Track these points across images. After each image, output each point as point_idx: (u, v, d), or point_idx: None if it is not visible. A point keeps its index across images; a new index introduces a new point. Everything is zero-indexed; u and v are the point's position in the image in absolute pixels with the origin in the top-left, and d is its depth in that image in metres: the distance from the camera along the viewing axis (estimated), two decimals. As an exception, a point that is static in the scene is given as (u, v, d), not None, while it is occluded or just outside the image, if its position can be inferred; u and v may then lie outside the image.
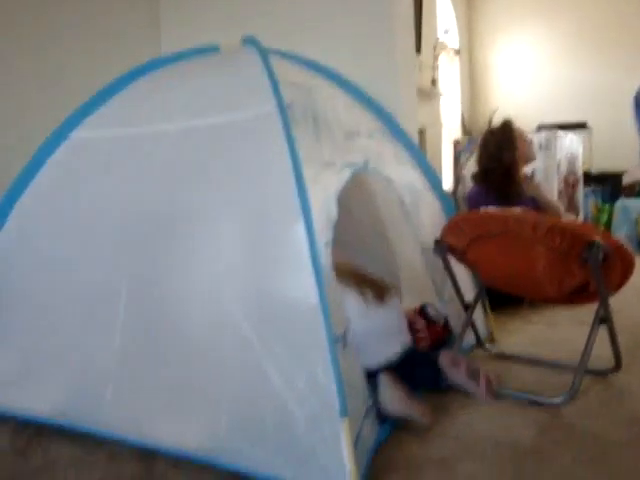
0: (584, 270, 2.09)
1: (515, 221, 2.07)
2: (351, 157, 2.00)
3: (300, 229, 1.56)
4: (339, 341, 1.61)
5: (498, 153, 3.51)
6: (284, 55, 2.34)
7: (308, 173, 1.68)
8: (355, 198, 2.38)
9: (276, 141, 1.68)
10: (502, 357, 2.64)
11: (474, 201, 3.52)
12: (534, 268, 2.15)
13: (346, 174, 1.90)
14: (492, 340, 2.81)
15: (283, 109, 1.73)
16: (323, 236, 1.69)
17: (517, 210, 2.38)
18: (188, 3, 3.57)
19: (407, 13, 3.25)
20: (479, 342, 2.69)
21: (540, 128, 6.58)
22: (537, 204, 3.49)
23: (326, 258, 1.68)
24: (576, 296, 2.28)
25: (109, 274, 1.87)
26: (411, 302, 2.71)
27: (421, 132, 6.35)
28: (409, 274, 2.61)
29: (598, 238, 2.00)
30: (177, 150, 1.92)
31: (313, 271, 1.51)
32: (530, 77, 7.30)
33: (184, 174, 1.83)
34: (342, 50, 3.11)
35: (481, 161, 3.71)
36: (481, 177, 3.63)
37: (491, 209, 2.57)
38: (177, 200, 1.80)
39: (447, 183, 6.58)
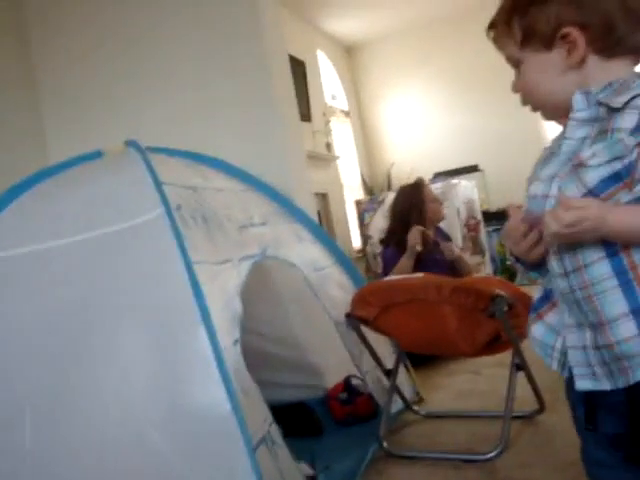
0: (493, 322, 2.14)
1: (419, 287, 2.10)
2: (247, 250, 1.99)
3: (202, 334, 1.52)
4: (262, 443, 1.56)
5: (406, 214, 3.58)
6: (169, 152, 2.34)
7: (204, 274, 1.66)
8: (259, 291, 2.36)
9: (167, 246, 1.65)
10: (432, 417, 2.64)
11: (392, 264, 3.52)
12: (446, 328, 2.18)
13: (245, 267, 1.89)
14: (420, 400, 2.81)
15: (170, 214, 1.71)
16: (230, 335, 1.66)
17: (418, 275, 2.43)
18: (71, 109, 3.53)
19: (285, 82, 3.31)
20: (407, 405, 2.69)
21: (436, 176, 6.83)
22: (451, 264, 3.56)
23: (236, 357, 1.64)
24: (490, 347, 2.32)
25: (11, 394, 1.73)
26: (333, 378, 2.70)
27: (323, 196, 6.47)
28: (325, 353, 2.59)
29: (500, 291, 2.06)
30: (70, 267, 1.84)
31: (220, 377, 1.47)
32: (420, 129, 7.60)
33: (79, 291, 1.75)
34: (227, 134, 3.13)
35: (390, 222, 3.77)
36: (389, 238, 3.68)
37: (394, 278, 2.61)
38: (75, 320, 1.71)
39: (356, 242, 6.70)
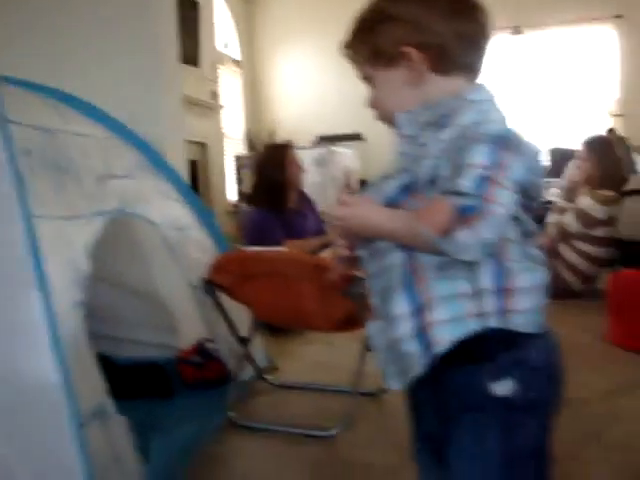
0: (349, 302, 2.14)
1: (281, 261, 2.06)
2: (104, 204, 1.85)
3: (33, 295, 1.39)
4: (95, 417, 1.47)
5: (270, 174, 3.53)
6: (29, 87, 2.13)
7: (46, 229, 1.52)
8: (118, 244, 2.23)
9: (5, 197, 1.49)
10: (283, 387, 2.65)
11: (261, 227, 3.45)
12: (303, 304, 2.15)
13: (99, 223, 1.76)
14: (274, 369, 2.81)
15: (14, 159, 1.54)
16: (70, 296, 1.54)
17: (283, 249, 2.39)
18: None
19: (168, 24, 3.11)
20: (259, 374, 2.67)
21: (320, 140, 6.81)
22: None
23: (75, 321, 1.53)
24: (347, 324, 2.33)
25: None
26: (187, 341, 2.62)
27: (202, 145, 6.28)
28: (182, 315, 2.51)
29: (359, 273, 2.06)
30: None
31: (51, 344, 1.36)
32: (310, 90, 7.52)
33: None
34: (98, 70, 2.91)
35: (255, 179, 3.71)
36: (255, 199, 3.61)
37: (256, 249, 2.56)
38: None
39: (232, 197, 6.58)
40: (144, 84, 2.92)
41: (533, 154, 0.99)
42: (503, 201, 0.92)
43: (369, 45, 1.07)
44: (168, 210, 2.32)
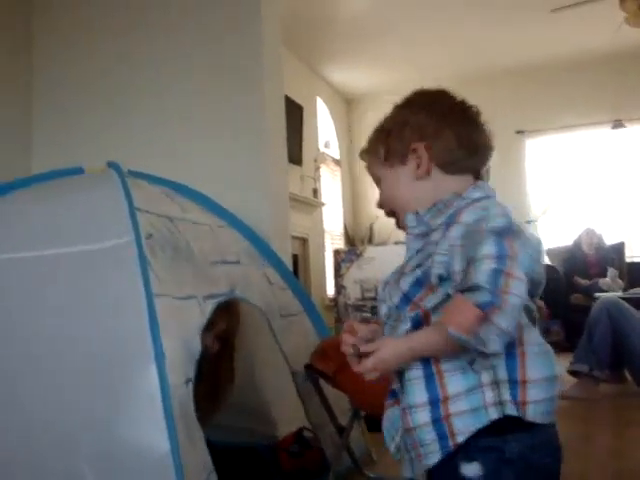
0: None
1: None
2: (215, 287, 1.95)
3: (151, 369, 1.47)
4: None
5: None
6: (149, 179, 2.31)
7: (165, 308, 1.62)
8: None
9: (131, 275, 1.62)
10: (380, 480, 2.58)
11: None
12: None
13: (210, 306, 1.85)
14: (371, 462, 2.75)
15: (140, 242, 1.68)
16: (183, 374, 1.61)
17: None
18: (62, 120, 3.51)
19: (279, 124, 3.34)
20: (356, 465, 2.62)
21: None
22: None
23: (186, 397, 1.59)
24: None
25: None
26: (286, 428, 2.63)
27: (304, 240, 6.46)
28: (280, 401, 2.53)
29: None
30: (28, 280, 1.80)
31: (165, 417, 1.42)
32: (407, 187, 7.64)
33: (29, 309, 1.70)
34: (214, 168, 3.13)
35: None
36: None
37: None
38: (19, 340, 1.66)
39: (330, 291, 6.66)
40: (255, 180, 3.10)
41: (536, 243, 1.11)
42: (517, 291, 0.99)
43: (385, 146, 1.24)
44: (273, 297, 2.39)
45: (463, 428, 1.05)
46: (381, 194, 1.28)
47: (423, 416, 1.08)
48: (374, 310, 5.30)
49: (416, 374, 1.10)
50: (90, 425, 1.49)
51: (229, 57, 3.22)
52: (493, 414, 1.05)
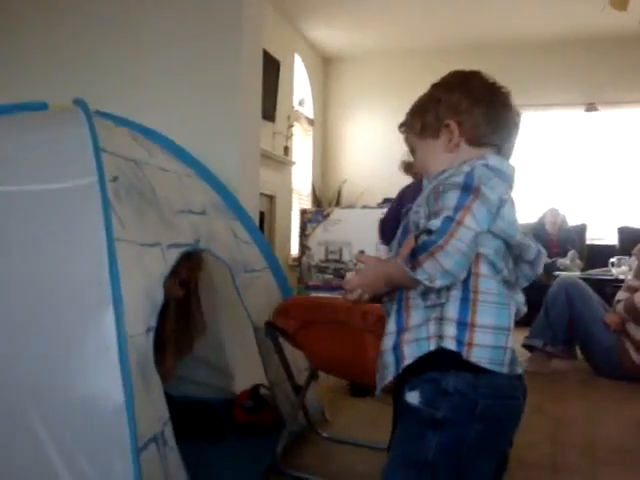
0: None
1: (344, 310, 2.04)
2: (179, 237, 1.90)
3: (108, 316, 1.42)
4: (153, 442, 1.47)
5: None
6: (116, 120, 2.22)
7: (127, 254, 1.56)
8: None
9: (92, 218, 1.55)
10: (333, 440, 2.59)
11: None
12: (364, 356, 2.12)
13: (173, 255, 1.80)
14: (325, 421, 2.76)
15: (103, 183, 1.61)
16: (143, 322, 1.57)
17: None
18: (24, 56, 3.36)
19: (255, 78, 3.25)
20: (310, 425, 2.63)
21: (385, 201, 6.83)
22: None
23: (146, 346, 1.55)
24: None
25: None
26: (245, 383, 2.62)
27: (271, 198, 6.39)
28: (242, 356, 2.51)
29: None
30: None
31: (120, 367, 1.37)
32: (379, 152, 7.59)
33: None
34: (185, 115, 3.04)
35: None
36: None
37: (320, 295, 2.55)
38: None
39: (294, 250, 6.63)
40: (227, 133, 3.03)
41: (494, 202, 1.22)
42: (462, 237, 1.16)
43: (421, 120, 1.39)
44: (238, 251, 2.35)
45: (408, 355, 1.21)
46: (415, 162, 1.46)
47: (388, 342, 1.27)
48: (337, 272, 5.29)
49: (394, 307, 1.29)
50: (41, 373, 1.43)
51: (209, 2, 3.10)
52: (432, 345, 1.20)
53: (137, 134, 2.24)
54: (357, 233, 5.16)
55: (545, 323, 4.03)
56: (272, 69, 6.08)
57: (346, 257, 5.30)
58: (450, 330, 1.19)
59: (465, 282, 1.21)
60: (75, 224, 1.59)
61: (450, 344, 1.19)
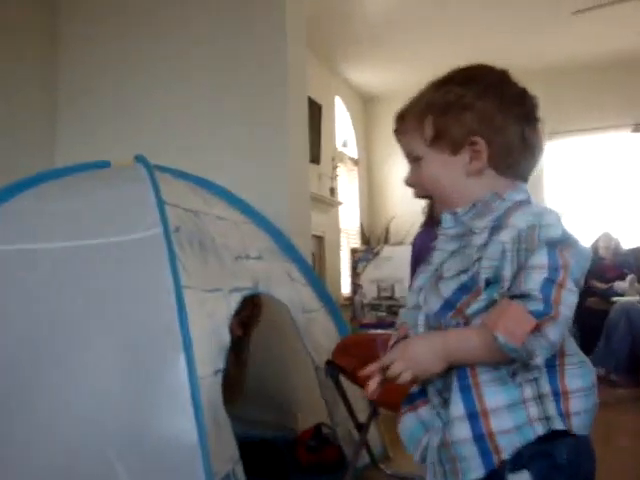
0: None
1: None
2: (239, 281, 1.97)
3: (180, 360, 1.50)
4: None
5: None
6: (174, 173, 2.34)
7: (192, 299, 1.64)
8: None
9: (159, 267, 1.64)
10: (396, 477, 2.59)
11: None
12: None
13: (235, 299, 1.87)
14: (387, 458, 2.76)
15: (168, 234, 1.70)
16: (212, 365, 1.64)
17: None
18: (86, 118, 3.56)
19: (301, 124, 3.36)
20: (374, 462, 2.64)
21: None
22: None
23: (214, 387, 1.62)
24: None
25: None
26: (307, 422, 2.65)
27: (320, 239, 6.47)
28: (304, 395, 2.55)
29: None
30: (56, 272, 1.82)
31: (193, 407, 1.44)
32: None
33: (59, 297, 1.73)
34: (237, 166, 3.15)
35: None
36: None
37: (377, 332, 2.59)
38: (46, 327, 1.68)
39: (345, 290, 6.67)
40: (278, 178, 3.13)
41: (587, 255, 1.03)
42: (569, 303, 0.95)
43: (435, 125, 1.07)
44: (296, 293, 2.41)
45: (508, 445, 0.99)
46: (417, 175, 1.13)
47: (462, 431, 1.01)
48: (390, 309, 5.31)
49: (447, 382, 1.03)
50: (119, 413, 1.51)
51: (255, 55, 3.24)
52: (539, 430, 0.99)
53: (194, 185, 2.35)
54: (408, 269, 5.19)
55: (607, 350, 3.95)
56: (315, 113, 6.23)
57: (398, 294, 5.32)
58: (552, 407, 1.00)
59: None
60: (143, 274, 1.69)
61: (559, 424, 1.00)
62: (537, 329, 0.92)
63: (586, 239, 6.57)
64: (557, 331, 0.93)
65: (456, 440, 1.01)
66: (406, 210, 7.79)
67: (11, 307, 1.75)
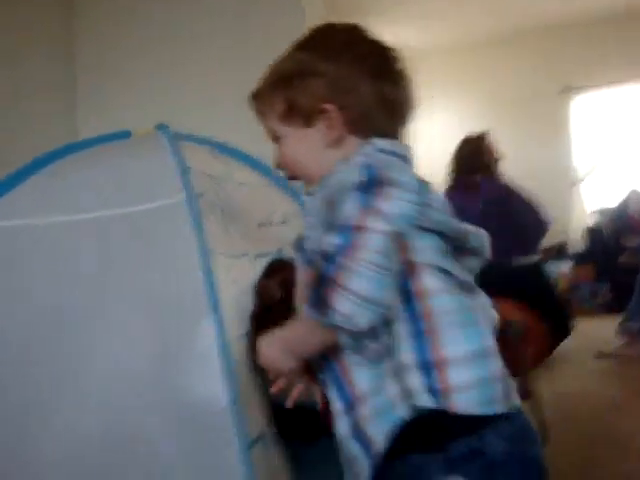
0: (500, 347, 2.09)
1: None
2: (264, 247, 1.97)
3: (209, 323, 1.50)
4: (258, 442, 1.54)
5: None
6: (195, 140, 2.32)
7: (218, 265, 1.64)
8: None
9: (184, 233, 1.63)
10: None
11: None
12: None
13: (260, 264, 1.87)
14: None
15: (192, 200, 1.69)
16: (237, 329, 1.64)
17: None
18: (107, 88, 3.55)
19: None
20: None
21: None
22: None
23: (241, 351, 1.62)
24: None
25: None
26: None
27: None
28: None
29: (516, 318, 2.03)
30: (85, 242, 1.83)
31: (223, 369, 1.45)
32: (441, 151, 7.48)
33: (86, 269, 1.74)
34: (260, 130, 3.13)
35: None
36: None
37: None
38: (77, 297, 1.69)
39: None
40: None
41: (417, 189, 0.90)
42: (371, 246, 0.80)
43: (283, 98, 0.99)
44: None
45: (375, 437, 0.87)
46: (279, 154, 1.05)
47: (342, 426, 0.92)
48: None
49: (328, 377, 0.96)
50: (150, 376, 1.53)
51: (274, 20, 3.21)
52: (400, 411, 0.86)
53: (216, 151, 2.33)
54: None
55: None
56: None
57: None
58: (416, 381, 0.85)
59: (407, 309, 0.87)
60: (168, 240, 1.69)
61: (425, 399, 0.85)
62: (336, 285, 0.79)
63: (615, 197, 6.45)
64: (363, 281, 0.79)
65: (340, 439, 0.95)
66: (425, 172, 7.69)
67: (34, 280, 1.76)
